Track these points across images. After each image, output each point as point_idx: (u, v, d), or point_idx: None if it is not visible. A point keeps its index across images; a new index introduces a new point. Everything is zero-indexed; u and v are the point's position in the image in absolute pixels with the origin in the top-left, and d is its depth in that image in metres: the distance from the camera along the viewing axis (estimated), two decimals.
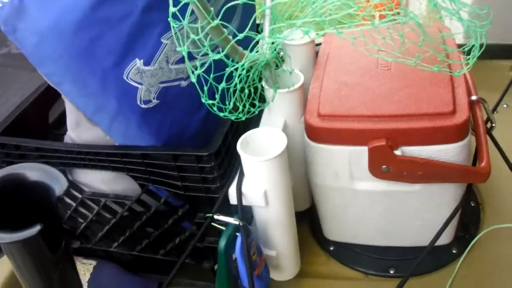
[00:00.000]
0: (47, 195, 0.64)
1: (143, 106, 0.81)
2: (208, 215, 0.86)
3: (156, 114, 0.83)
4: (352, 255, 1.08)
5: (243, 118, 0.83)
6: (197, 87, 0.71)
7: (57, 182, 0.63)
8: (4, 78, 1.27)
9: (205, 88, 0.72)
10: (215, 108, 0.74)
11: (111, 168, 0.90)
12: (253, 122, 0.94)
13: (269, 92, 0.92)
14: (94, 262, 1.09)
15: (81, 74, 0.77)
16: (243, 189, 0.86)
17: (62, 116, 1.11)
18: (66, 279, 0.69)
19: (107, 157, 0.88)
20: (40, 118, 1.08)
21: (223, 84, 0.75)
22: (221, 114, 0.78)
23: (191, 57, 0.82)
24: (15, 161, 0.98)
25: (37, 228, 0.58)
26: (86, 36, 0.75)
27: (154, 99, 0.82)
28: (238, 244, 0.85)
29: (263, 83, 0.91)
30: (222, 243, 0.85)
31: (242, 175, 0.87)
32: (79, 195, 0.97)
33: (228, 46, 0.70)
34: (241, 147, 0.84)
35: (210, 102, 0.74)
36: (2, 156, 0.98)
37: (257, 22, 1.00)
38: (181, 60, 0.83)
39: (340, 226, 1.06)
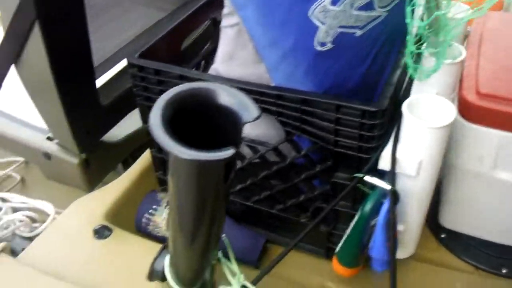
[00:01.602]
0: (231, 120, 0.60)
1: (318, 48, 0.78)
2: (356, 175, 0.82)
3: (326, 60, 0.80)
4: (465, 246, 1.04)
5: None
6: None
7: (245, 110, 0.60)
8: (121, 10, 1.23)
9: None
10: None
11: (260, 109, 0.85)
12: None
13: (428, 61, 0.87)
14: None
15: (269, 1, 0.73)
16: (398, 155, 0.82)
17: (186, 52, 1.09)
18: (221, 214, 0.66)
19: (259, 97, 0.84)
20: (173, 49, 1.04)
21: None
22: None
23: (370, 7, 0.79)
24: (150, 87, 0.94)
25: (231, 151, 0.54)
26: None
27: (329, 42, 0.78)
28: (383, 211, 0.81)
29: (425, 51, 0.86)
30: (368, 206, 0.81)
31: (397, 139, 0.83)
32: None
33: None
34: (408, 110, 0.80)
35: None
36: (137, 80, 0.94)
37: None
38: (364, 7, 0.79)
39: (462, 214, 1.02)
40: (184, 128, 0.57)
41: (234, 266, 0.78)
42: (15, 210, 1.23)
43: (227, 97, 0.60)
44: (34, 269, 0.91)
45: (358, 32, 0.81)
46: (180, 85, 0.60)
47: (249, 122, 0.58)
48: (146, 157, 1.13)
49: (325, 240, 0.99)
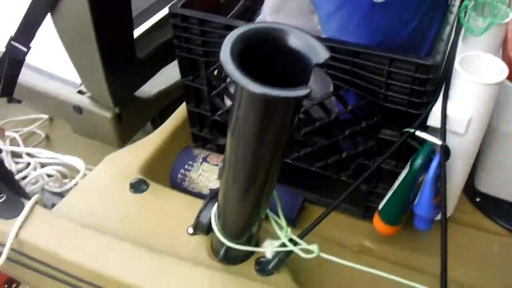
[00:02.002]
0: (299, 62, 0.59)
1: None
2: (406, 130, 0.81)
3: (380, 12, 0.78)
4: (501, 210, 1.04)
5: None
6: None
7: (314, 52, 0.58)
8: None
9: None
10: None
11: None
12: None
13: (475, 21, 0.85)
14: None
15: None
16: (448, 111, 0.81)
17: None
18: (278, 165, 0.65)
19: None
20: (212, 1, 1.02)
21: None
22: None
23: None
24: (192, 38, 0.93)
25: (306, 90, 0.53)
26: None
27: None
28: (433, 167, 0.80)
29: (472, 12, 0.85)
30: (418, 161, 0.81)
31: (446, 96, 0.82)
32: None
33: None
34: (460, 66, 0.78)
35: None
36: (178, 30, 0.92)
37: None
38: None
39: (499, 178, 1.02)
40: (250, 68, 0.55)
41: (282, 221, 0.77)
42: (43, 165, 1.21)
43: (296, 39, 0.58)
44: (71, 222, 0.90)
45: None
46: (249, 24, 0.58)
47: (319, 64, 0.57)
48: (179, 113, 1.12)
49: (364, 199, 0.98)
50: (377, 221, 0.91)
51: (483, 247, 0.99)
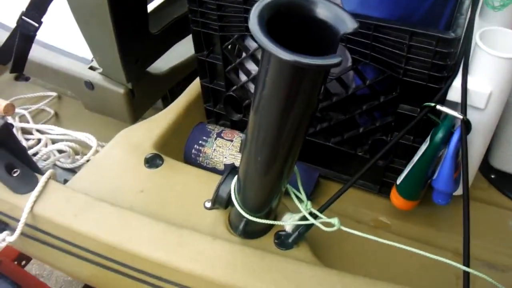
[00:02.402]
0: (326, 31, 0.58)
1: None
2: (427, 104, 0.80)
3: None
4: None
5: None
6: None
7: (342, 22, 0.57)
8: None
9: None
10: None
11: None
12: None
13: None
14: None
15: None
16: (468, 85, 0.80)
17: None
18: (302, 137, 0.65)
19: None
20: None
21: None
22: None
23: None
24: (208, 12, 0.92)
25: (338, 58, 0.52)
26: None
27: None
28: (453, 141, 0.80)
29: None
30: (439, 136, 0.80)
31: (466, 70, 0.81)
32: None
33: None
34: (481, 40, 0.78)
35: None
36: (194, 4, 0.91)
37: None
38: None
39: None
40: (277, 37, 0.55)
41: (303, 194, 0.77)
42: (54, 142, 1.21)
43: (323, 8, 0.58)
44: (86, 196, 0.90)
45: None
46: None
47: (347, 33, 0.57)
48: (192, 89, 1.11)
49: (380, 174, 0.98)
50: (395, 196, 0.91)
51: (499, 222, 0.99)
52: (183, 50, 1.21)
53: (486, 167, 1.05)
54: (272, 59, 0.55)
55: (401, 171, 0.90)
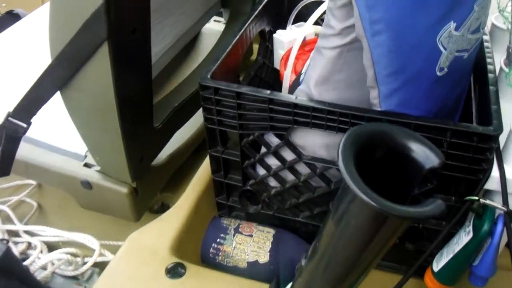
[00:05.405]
0: (410, 164, 0.57)
1: (438, 73, 0.75)
2: (470, 198, 0.80)
3: (440, 84, 0.77)
4: None
5: None
6: None
7: (427, 156, 0.56)
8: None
9: None
10: None
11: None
12: None
13: None
14: (272, 231, 1.00)
15: (404, 27, 0.68)
16: (506, 174, 0.80)
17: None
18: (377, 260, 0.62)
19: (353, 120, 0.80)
20: (233, 68, 0.97)
21: None
22: None
23: (478, 29, 0.78)
24: (226, 111, 0.88)
25: (442, 206, 0.51)
26: None
27: (446, 67, 0.75)
28: (498, 231, 0.80)
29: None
30: (485, 229, 0.80)
31: (501, 159, 0.82)
32: (296, 157, 0.88)
33: None
34: None
35: None
36: (210, 103, 0.87)
37: None
38: (475, 30, 0.77)
39: None
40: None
41: None
42: (46, 243, 1.11)
43: (408, 141, 0.56)
44: None
45: (466, 55, 0.79)
46: (360, 125, 0.58)
47: (433, 168, 0.55)
48: (200, 179, 1.06)
49: (409, 258, 0.96)
50: (430, 280, 0.90)
51: None
52: (177, 135, 1.15)
53: None
54: (363, 204, 0.52)
55: (433, 254, 0.89)
